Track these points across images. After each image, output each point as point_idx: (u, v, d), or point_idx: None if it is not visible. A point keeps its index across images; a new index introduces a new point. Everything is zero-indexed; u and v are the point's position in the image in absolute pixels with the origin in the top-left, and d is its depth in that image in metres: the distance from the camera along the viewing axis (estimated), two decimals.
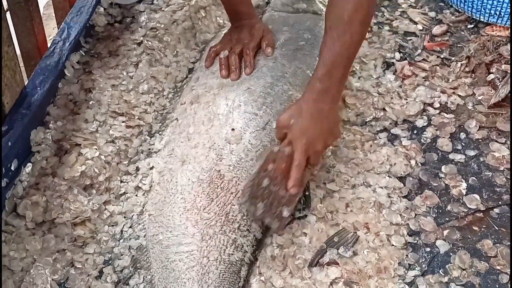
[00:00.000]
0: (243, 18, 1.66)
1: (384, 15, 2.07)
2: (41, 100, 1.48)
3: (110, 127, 1.56)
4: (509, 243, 1.39)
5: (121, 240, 1.37)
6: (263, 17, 1.77)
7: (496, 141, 1.64)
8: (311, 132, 1.33)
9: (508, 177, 1.54)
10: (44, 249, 1.32)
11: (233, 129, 1.44)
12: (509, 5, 1.91)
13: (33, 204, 1.36)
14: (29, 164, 1.42)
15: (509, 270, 1.34)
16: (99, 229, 1.39)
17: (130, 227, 1.39)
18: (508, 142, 1.63)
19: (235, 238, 1.31)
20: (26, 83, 1.50)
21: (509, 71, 1.78)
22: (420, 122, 1.69)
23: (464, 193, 1.51)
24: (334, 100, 1.37)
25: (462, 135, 1.66)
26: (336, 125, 1.41)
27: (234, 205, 1.35)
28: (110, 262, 1.34)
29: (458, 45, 1.94)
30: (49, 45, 1.65)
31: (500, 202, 1.48)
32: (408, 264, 1.36)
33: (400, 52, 1.92)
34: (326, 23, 1.37)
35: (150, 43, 1.78)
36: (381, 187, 1.51)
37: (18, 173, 1.40)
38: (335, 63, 1.33)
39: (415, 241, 1.41)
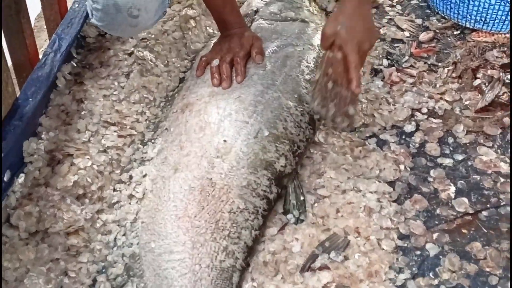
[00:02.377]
0: (233, 28, 1.68)
1: None
2: (33, 111, 1.49)
3: (102, 136, 1.57)
4: (497, 245, 1.41)
5: (115, 248, 1.38)
6: (252, 25, 1.79)
7: (484, 145, 1.66)
8: (358, 33, 1.42)
9: (496, 180, 1.57)
10: (38, 259, 1.33)
11: (225, 141, 1.45)
12: (503, 12, 1.93)
13: (26, 214, 1.36)
14: (22, 174, 1.43)
15: (499, 272, 1.35)
16: (92, 238, 1.39)
17: (124, 235, 1.39)
18: (496, 146, 1.66)
19: (226, 245, 1.32)
20: (18, 94, 1.51)
21: (495, 76, 1.81)
22: (408, 128, 1.72)
23: (453, 197, 1.53)
24: (369, 1, 1.49)
25: (450, 140, 1.68)
26: (374, 25, 1.53)
27: (224, 212, 1.36)
28: (103, 270, 1.35)
29: (445, 51, 1.97)
30: (40, 56, 1.66)
31: (488, 205, 1.51)
32: (399, 267, 1.38)
33: (387, 59, 1.95)
34: None
35: (141, 53, 1.80)
36: (371, 192, 1.52)
37: (11, 184, 1.40)
38: None
39: (405, 245, 1.42)
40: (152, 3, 1.44)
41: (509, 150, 1.63)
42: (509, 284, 1.33)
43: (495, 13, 1.95)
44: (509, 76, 1.81)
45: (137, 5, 1.40)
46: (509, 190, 1.54)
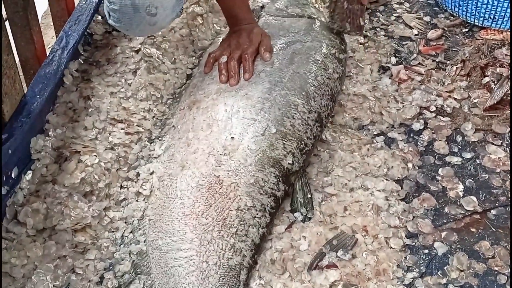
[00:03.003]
0: (242, 23, 1.67)
1: (380, 20, 2.08)
2: (40, 108, 1.48)
3: (109, 134, 1.57)
4: (506, 244, 1.40)
5: (122, 245, 1.38)
6: (258, 22, 1.78)
7: (492, 143, 1.65)
8: None
9: (505, 178, 1.56)
10: (45, 256, 1.33)
11: (232, 138, 1.45)
12: (509, 9, 1.92)
13: (34, 211, 1.37)
14: (29, 171, 1.43)
15: (508, 271, 1.35)
16: (99, 235, 1.39)
17: (131, 232, 1.39)
18: (504, 144, 1.65)
19: (233, 242, 1.32)
20: (25, 91, 1.51)
21: (504, 74, 1.80)
22: (416, 126, 1.71)
23: (461, 195, 1.53)
24: None
25: (459, 138, 1.67)
26: None
27: (232, 210, 1.36)
28: (111, 267, 1.35)
29: (453, 49, 1.96)
30: (47, 53, 1.66)
31: (497, 204, 1.50)
32: (407, 266, 1.37)
33: (396, 56, 1.94)
34: None
35: (148, 50, 1.79)
36: (379, 190, 1.52)
37: (19, 181, 1.40)
38: None
39: (413, 243, 1.42)
40: (168, 0, 1.43)
41: (509, 149, 1.62)
42: None
43: (504, 11, 1.93)
44: None
45: (154, 3, 1.40)
46: None
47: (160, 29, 1.63)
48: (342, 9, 1.71)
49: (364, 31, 1.84)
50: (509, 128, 1.68)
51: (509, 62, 1.84)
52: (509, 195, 1.52)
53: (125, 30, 1.50)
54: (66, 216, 1.38)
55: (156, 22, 1.44)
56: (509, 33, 1.97)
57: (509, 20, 1.95)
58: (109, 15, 1.46)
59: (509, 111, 1.72)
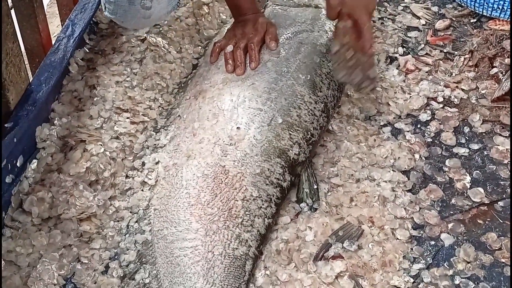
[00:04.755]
0: (247, 13, 1.66)
1: (387, 10, 2.07)
2: (46, 97, 1.48)
3: (115, 123, 1.57)
4: None
5: (127, 235, 1.37)
6: (265, 11, 1.77)
7: (500, 135, 1.64)
8: None
9: None
10: (50, 245, 1.33)
11: (238, 128, 1.44)
12: (509, 1, 1.91)
13: (39, 200, 1.37)
14: (34, 160, 1.43)
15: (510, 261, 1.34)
16: (104, 224, 1.39)
17: (136, 222, 1.39)
18: None
19: (239, 232, 1.32)
20: (31, 80, 1.51)
21: None
22: (423, 116, 1.70)
23: (468, 187, 1.52)
24: None
25: (466, 129, 1.66)
26: None
27: (237, 200, 1.35)
28: (116, 257, 1.35)
29: (461, 40, 1.95)
30: (53, 42, 1.66)
31: (504, 195, 1.49)
32: (413, 257, 1.37)
33: (403, 47, 1.92)
34: None
35: (153, 39, 1.79)
36: (385, 181, 1.51)
37: (24, 170, 1.40)
38: None
39: (420, 235, 1.41)
40: None
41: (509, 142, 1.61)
42: None
43: None
44: None
45: None
46: None
47: (156, 22, 1.63)
48: (345, 58, 1.55)
49: (376, 86, 1.67)
50: (510, 122, 1.67)
51: None
52: (510, 188, 1.51)
53: (120, 22, 1.51)
54: (71, 205, 1.38)
55: (150, 15, 1.45)
56: None
57: None
58: (105, 7, 1.47)
59: None
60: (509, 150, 1.59)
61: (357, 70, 1.55)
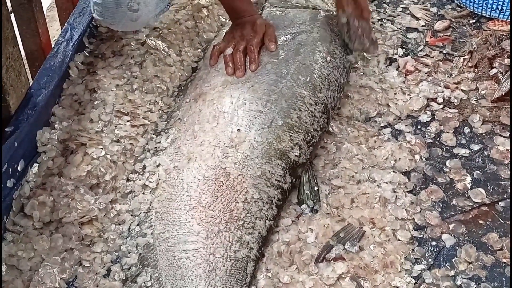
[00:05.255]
0: (244, 16, 1.66)
1: (386, 12, 2.07)
2: (46, 101, 1.48)
3: (115, 126, 1.57)
4: None
5: (128, 238, 1.38)
6: (262, 13, 1.77)
7: (500, 135, 1.64)
8: None
9: None
10: (52, 249, 1.33)
11: (238, 130, 1.44)
12: (509, 1, 1.91)
13: (40, 204, 1.37)
14: (35, 164, 1.43)
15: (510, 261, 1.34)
16: (106, 227, 1.39)
17: (137, 225, 1.39)
18: None
19: (240, 235, 1.32)
20: (31, 83, 1.51)
21: None
22: (424, 117, 1.70)
23: (469, 187, 1.52)
24: None
25: (466, 130, 1.66)
26: None
27: (238, 202, 1.36)
28: (117, 260, 1.35)
29: (461, 40, 1.95)
30: (53, 46, 1.66)
31: (505, 196, 1.49)
32: (415, 258, 1.37)
33: (402, 48, 1.93)
34: None
35: (153, 42, 1.79)
36: (386, 182, 1.51)
37: (25, 174, 1.40)
38: None
39: (421, 236, 1.41)
40: None
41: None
42: None
43: None
44: None
45: None
46: None
47: (144, 25, 1.64)
48: (356, 27, 1.71)
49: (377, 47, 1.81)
50: (510, 122, 1.67)
51: None
52: (510, 188, 1.51)
53: (109, 24, 1.52)
54: (72, 209, 1.38)
55: (138, 18, 1.46)
56: None
57: None
58: (94, 9, 1.48)
59: None
60: (509, 150, 1.60)
61: (364, 36, 1.71)
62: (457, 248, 1.38)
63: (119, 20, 1.46)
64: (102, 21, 1.49)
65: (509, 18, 1.97)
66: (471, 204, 1.48)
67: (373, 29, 1.97)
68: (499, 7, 1.96)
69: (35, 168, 1.42)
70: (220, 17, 1.96)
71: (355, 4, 1.67)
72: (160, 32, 1.83)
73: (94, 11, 1.48)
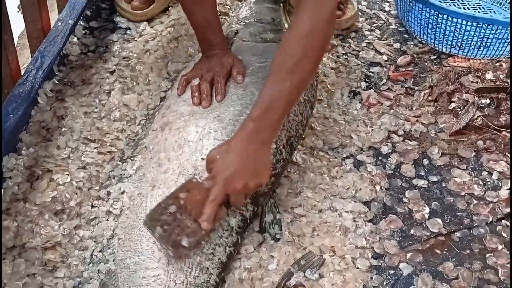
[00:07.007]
0: (215, 48, 1.70)
1: (351, 46, 2.13)
2: (13, 127, 1.50)
3: (82, 153, 1.59)
4: (469, 266, 1.44)
5: (91, 264, 1.38)
6: (232, 47, 1.81)
7: (458, 167, 1.70)
8: (233, 169, 1.30)
9: (469, 202, 1.60)
10: (14, 274, 1.33)
11: (202, 159, 1.47)
12: (499, 37, 1.98)
13: (4, 229, 1.37)
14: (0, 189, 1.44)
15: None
16: (69, 253, 1.40)
17: (100, 251, 1.40)
18: (470, 168, 1.69)
19: (200, 260, 1.33)
20: None
21: (469, 100, 1.86)
22: (385, 149, 1.75)
23: (427, 217, 1.56)
24: (265, 142, 1.36)
25: (425, 162, 1.71)
26: (263, 168, 1.37)
27: None
28: (79, 286, 1.35)
29: (422, 75, 2.02)
30: (22, 73, 1.68)
31: (461, 226, 1.54)
32: (373, 286, 1.40)
33: (366, 81, 1.99)
34: (271, 65, 1.39)
35: (122, 71, 1.82)
36: (347, 212, 1.55)
37: None
38: (270, 107, 1.34)
39: (379, 264, 1.45)
40: None
41: (508, 154, 1.67)
42: None
43: (471, 39, 2.00)
44: (483, 101, 1.86)
45: None
46: (481, 212, 1.57)
47: None
48: (164, 210, 1.30)
49: (180, 257, 1.30)
50: (475, 153, 1.73)
51: (474, 88, 1.90)
52: (510, 208, 1.57)
53: None
54: (36, 234, 1.38)
55: None
56: (475, 61, 2.03)
57: (474, 48, 2.02)
58: None
59: (474, 136, 1.77)
60: (510, 157, 1.65)
61: (161, 229, 1.27)
62: (414, 276, 1.42)
63: None
64: None
65: (468, 55, 2.04)
66: (428, 234, 1.52)
67: (338, 62, 2.03)
68: (459, 44, 2.04)
69: None
70: (189, 48, 1.99)
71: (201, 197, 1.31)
72: (130, 61, 1.86)
73: None
